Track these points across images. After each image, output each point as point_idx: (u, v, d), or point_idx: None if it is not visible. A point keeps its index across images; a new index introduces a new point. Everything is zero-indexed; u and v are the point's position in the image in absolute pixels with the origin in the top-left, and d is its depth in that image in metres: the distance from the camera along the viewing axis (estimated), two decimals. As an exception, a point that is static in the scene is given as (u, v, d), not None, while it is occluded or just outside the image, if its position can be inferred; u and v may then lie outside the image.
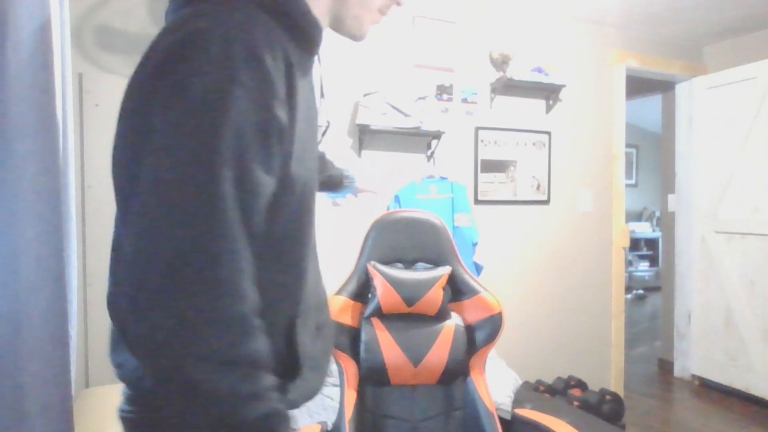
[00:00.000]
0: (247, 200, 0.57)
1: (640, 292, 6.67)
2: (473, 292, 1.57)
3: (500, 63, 2.95)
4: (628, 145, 6.20)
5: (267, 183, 0.60)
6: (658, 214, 7.08)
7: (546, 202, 3.17)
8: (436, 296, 1.52)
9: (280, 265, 0.70)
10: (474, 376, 1.51)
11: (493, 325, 1.50)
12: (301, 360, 0.73)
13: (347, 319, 1.54)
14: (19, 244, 1.08)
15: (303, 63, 0.70)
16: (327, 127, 0.63)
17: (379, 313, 1.54)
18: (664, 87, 3.93)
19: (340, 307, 1.54)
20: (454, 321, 1.55)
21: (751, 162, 3.29)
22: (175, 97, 0.55)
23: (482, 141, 2.98)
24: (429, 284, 1.52)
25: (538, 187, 3.15)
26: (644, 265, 7.16)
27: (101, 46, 2.21)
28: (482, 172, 2.99)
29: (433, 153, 2.82)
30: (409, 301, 1.52)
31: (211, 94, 0.55)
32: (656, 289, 6.09)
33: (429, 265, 1.61)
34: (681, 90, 3.74)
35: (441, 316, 1.55)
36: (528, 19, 3.09)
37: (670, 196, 3.88)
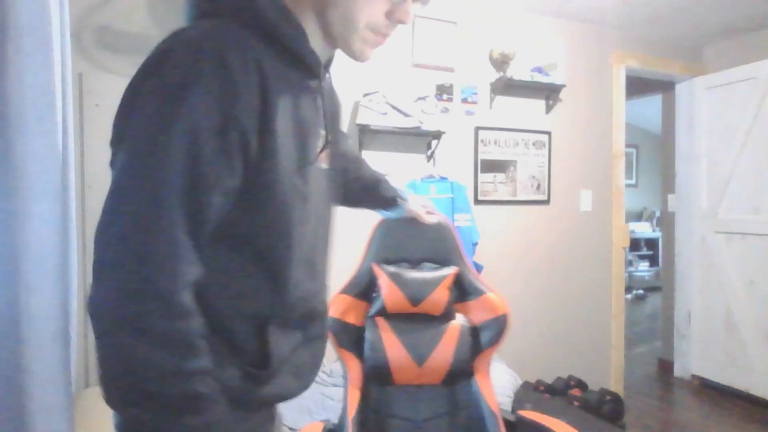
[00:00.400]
0: (196, 191, 0.63)
1: (640, 292, 6.67)
2: (479, 293, 1.56)
3: (500, 63, 2.96)
4: (628, 145, 6.19)
5: (222, 178, 0.65)
6: (658, 214, 7.08)
7: (546, 202, 3.17)
8: (441, 296, 1.51)
9: (253, 264, 0.73)
10: (478, 378, 1.51)
11: (499, 326, 1.49)
12: (273, 362, 0.75)
13: (351, 318, 1.54)
14: (19, 244, 1.08)
15: (292, 79, 0.74)
16: (325, 144, 0.66)
17: (383, 312, 1.53)
18: (664, 87, 3.93)
19: (344, 306, 1.53)
20: (460, 321, 1.54)
21: (751, 162, 3.29)
22: (147, 96, 0.63)
23: (482, 141, 2.98)
24: (434, 284, 1.52)
25: (538, 187, 3.15)
26: (644, 265, 7.16)
27: (101, 46, 2.21)
28: (482, 172, 2.99)
29: (433, 153, 2.82)
30: (414, 301, 1.51)
31: (171, 94, 0.62)
32: (656, 289, 6.09)
33: (435, 265, 1.60)
34: (681, 90, 3.74)
35: (446, 316, 1.54)
36: (528, 19, 3.09)
37: (670, 196, 3.88)
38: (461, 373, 1.51)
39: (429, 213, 1.54)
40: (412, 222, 1.51)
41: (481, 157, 2.98)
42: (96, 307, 0.61)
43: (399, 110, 2.61)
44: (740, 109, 3.34)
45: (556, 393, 2.94)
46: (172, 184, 0.61)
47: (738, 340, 3.33)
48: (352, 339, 1.53)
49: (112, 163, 0.67)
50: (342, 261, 1.85)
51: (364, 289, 1.57)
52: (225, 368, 0.71)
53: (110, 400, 0.63)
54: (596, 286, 3.34)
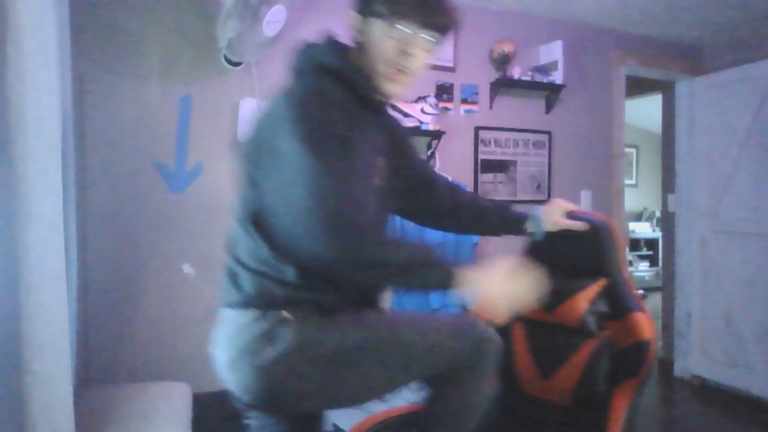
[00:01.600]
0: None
1: (640, 292, 6.67)
2: (627, 311, 1.36)
3: (500, 63, 2.96)
4: (628, 145, 6.20)
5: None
6: (658, 214, 7.07)
7: (546, 202, 3.17)
8: (578, 306, 1.34)
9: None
10: (613, 411, 1.28)
11: (640, 354, 1.27)
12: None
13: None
14: (19, 244, 1.08)
15: (363, 114, 1.11)
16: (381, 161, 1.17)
17: (523, 316, 1.41)
18: (664, 87, 3.93)
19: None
20: (599, 340, 1.34)
21: (750, 162, 3.29)
22: (301, 122, 0.99)
23: (482, 141, 2.98)
24: (572, 291, 1.36)
25: (538, 187, 3.15)
26: (644, 265, 7.15)
27: (102, 46, 2.21)
28: (482, 172, 2.99)
29: (433, 153, 2.82)
30: (548, 306, 1.36)
31: (319, 121, 1.00)
32: (656, 289, 6.08)
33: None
34: (681, 90, 3.73)
35: (586, 331, 1.35)
36: (528, 19, 3.09)
37: (670, 196, 3.88)
38: (592, 398, 1.31)
39: (576, 218, 1.45)
40: (566, 233, 1.39)
41: (481, 157, 2.98)
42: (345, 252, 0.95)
43: (399, 110, 2.61)
44: (740, 109, 3.34)
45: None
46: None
47: (738, 340, 3.33)
48: None
49: (263, 169, 1.04)
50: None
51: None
52: None
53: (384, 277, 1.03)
54: (596, 286, 3.33)
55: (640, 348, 1.26)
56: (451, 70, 2.90)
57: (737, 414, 3.15)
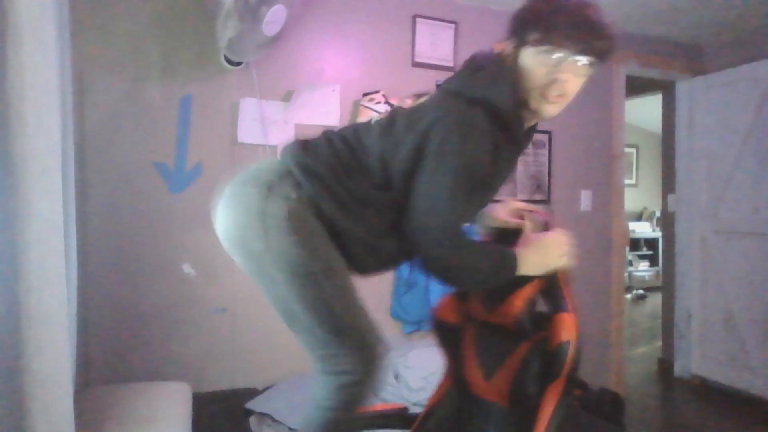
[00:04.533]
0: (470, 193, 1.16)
1: (640, 292, 6.67)
2: (558, 311, 1.36)
3: (500, 63, 2.95)
4: (628, 145, 6.20)
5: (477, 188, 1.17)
6: (658, 214, 7.08)
7: (546, 202, 3.17)
8: (513, 307, 1.35)
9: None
10: (541, 411, 1.27)
11: (559, 355, 1.26)
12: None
13: (450, 318, 1.50)
14: (19, 244, 1.08)
15: (507, 144, 1.22)
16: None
17: (472, 316, 1.47)
18: (664, 87, 3.93)
19: (442, 304, 1.51)
20: (533, 341, 1.34)
21: (750, 162, 3.29)
22: (453, 151, 1.10)
23: (482, 141, 2.98)
24: (508, 292, 1.36)
25: (538, 187, 3.15)
26: (644, 265, 7.15)
27: (102, 46, 2.21)
28: (482, 172, 2.99)
29: (433, 153, 2.81)
30: (488, 308, 1.39)
31: (462, 150, 1.10)
32: (656, 289, 6.08)
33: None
34: (681, 90, 3.73)
35: (523, 332, 1.36)
36: (528, 19, 3.09)
37: (670, 196, 3.88)
38: (526, 398, 1.31)
39: (521, 216, 1.43)
40: (514, 232, 1.38)
41: (481, 157, 2.98)
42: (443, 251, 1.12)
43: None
44: (740, 109, 3.34)
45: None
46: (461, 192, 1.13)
47: (738, 340, 3.33)
48: (446, 337, 1.49)
49: (416, 170, 1.13)
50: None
51: (462, 291, 1.52)
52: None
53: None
54: (596, 286, 3.34)
55: (561, 348, 1.28)
56: (451, 69, 2.90)
57: (737, 414, 3.15)
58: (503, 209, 1.47)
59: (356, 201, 1.18)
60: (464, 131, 1.10)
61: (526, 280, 1.35)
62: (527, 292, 1.36)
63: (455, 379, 1.48)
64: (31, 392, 1.09)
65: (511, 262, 1.18)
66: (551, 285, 1.38)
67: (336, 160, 1.19)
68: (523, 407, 1.33)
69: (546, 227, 1.40)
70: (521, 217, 1.43)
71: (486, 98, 1.14)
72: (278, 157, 1.26)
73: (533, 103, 1.17)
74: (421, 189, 1.11)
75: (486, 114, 1.13)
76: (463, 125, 1.10)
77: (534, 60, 1.14)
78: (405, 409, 1.59)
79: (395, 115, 1.22)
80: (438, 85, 1.29)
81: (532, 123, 1.28)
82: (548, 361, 1.30)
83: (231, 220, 1.21)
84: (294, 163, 1.18)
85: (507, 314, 1.36)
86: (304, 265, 1.13)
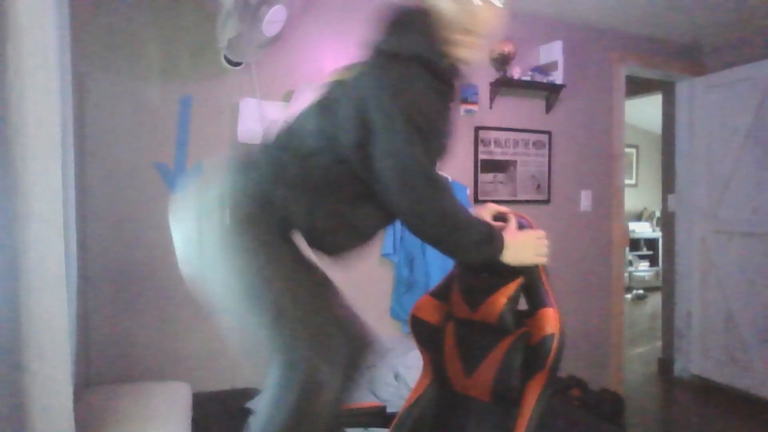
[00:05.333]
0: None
1: (640, 292, 6.67)
2: (540, 306, 1.39)
3: (500, 63, 2.95)
4: (628, 145, 6.21)
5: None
6: (658, 214, 7.08)
7: (546, 201, 3.17)
8: (496, 304, 1.38)
9: None
10: (523, 405, 1.31)
11: (543, 349, 1.30)
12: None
13: (429, 317, 1.52)
14: (19, 244, 1.08)
15: (446, 91, 1.27)
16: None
17: (453, 315, 1.49)
18: (664, 87, 3.93)
19: (422, 304, 1.54)
20: (516, 336, 1.38)
21: (750, 162, 3.29)
22: (397, 111, 1.14)
23: (482, 141, 2.98)
24: (491, 290, 1.40)
25: (538, 187, 3.15)
26: (644, 265, 7.15)
27: (102, 46, 2.21)
28: (482, 172, 2.99)
29: (433, 153, 2.82)
30: (471, 306, 1.42)
31: (407, 107, 1.14)
32: (656, 289, 6.08)
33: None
34: (681, 90, 3.73)
35: (504, 328, 1.39)
36: (528, 19, 3.09)
37: (670, 196, 3.88)
38: (507, 394, 1.34)
39: (500, 219, 1.47)
40: None
41: (481, 157, 2.98)
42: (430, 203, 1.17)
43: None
44: (740, 109, 3.34)
45: (556, 393, 2.95)
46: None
47: (738, 340, 3.33)
48: (427, 336, 1.51)
49: (365, 137, 1.15)
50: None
51: (443, 290, 1.54)
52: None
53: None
54: (596, 286, 3.34)
55: (545, 342, 1.32)
56: (451, 70, 2.90)
57: (737, 414, 3.15)
58: (484, 212, 1.48)
59: (318, 188, 1.22)
60: (404, 88, 1.15)
61: (509, 278, 1.40)
62: (510, 289, 1.40)
63: (435, 377, 1.50)
64: (31, 392, 1.09)
65: (498, 238, 1.24)
66: (533, 281, 1.43)
67: (278, 166, 1.24)
68: (505, 401, 1.36)
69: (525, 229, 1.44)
70: (503, 220, 1.44)
71: (419, 54, 1.20)
72: (220, 178, 1.35)
73: (455, 49, 1.25)
74: (382, 148, 1.14)
75: (422, 68, 1.19)
76: (403, 83, 1.15)
77: (452, 4, 1.22)
78: (383, 407, 1.60)
79: (331, 90, 1.27)
80: (366, 47, 1.34)
81: (457, 74, 1.34)
82: (531, 354, 1.34)
83: (189, 247, 1.35)
84: (255, 190, 1.25)
85: (490, 312, 1.39)
86: (254, 276, 1.20)
